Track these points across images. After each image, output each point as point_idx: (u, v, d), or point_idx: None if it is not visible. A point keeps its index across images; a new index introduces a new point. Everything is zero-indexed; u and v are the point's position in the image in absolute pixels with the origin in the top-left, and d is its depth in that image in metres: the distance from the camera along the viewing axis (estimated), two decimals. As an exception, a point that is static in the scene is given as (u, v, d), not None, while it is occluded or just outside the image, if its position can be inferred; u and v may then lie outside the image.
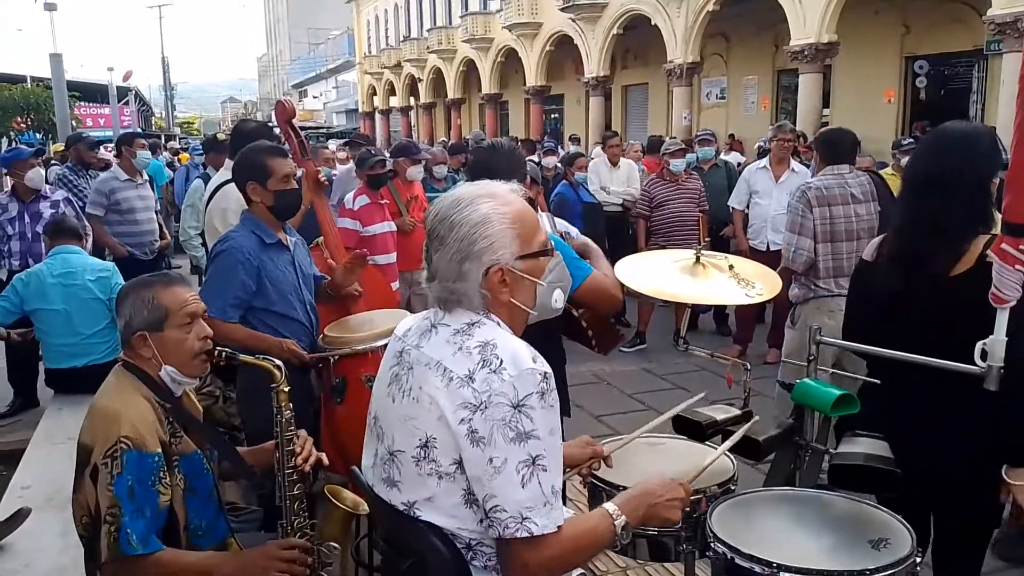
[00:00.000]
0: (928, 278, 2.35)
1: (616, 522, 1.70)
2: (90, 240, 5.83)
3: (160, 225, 6.85)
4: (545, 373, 1.59)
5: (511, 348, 1.60)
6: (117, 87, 36.04)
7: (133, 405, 2.13)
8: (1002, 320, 2.07)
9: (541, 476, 1.55)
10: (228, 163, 4.19)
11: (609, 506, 1.73)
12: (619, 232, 7.64)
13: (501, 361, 1.57)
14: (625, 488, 2.18)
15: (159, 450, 2.12)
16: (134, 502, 2.03)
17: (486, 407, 1.55)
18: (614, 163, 8.28)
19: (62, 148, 13.56)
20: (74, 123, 24.98)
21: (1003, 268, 2.03)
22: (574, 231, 3.80)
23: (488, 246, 1.64)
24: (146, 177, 6.88)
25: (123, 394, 2.16)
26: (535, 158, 9.75)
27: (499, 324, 1.68)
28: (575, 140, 19.11)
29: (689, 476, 1.99)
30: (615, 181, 8.17)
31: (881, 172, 6.87)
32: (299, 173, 3.92)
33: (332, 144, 9.88)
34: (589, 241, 2.98)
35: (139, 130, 22.39)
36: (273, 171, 3.25)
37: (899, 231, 2.50)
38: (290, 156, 3.64)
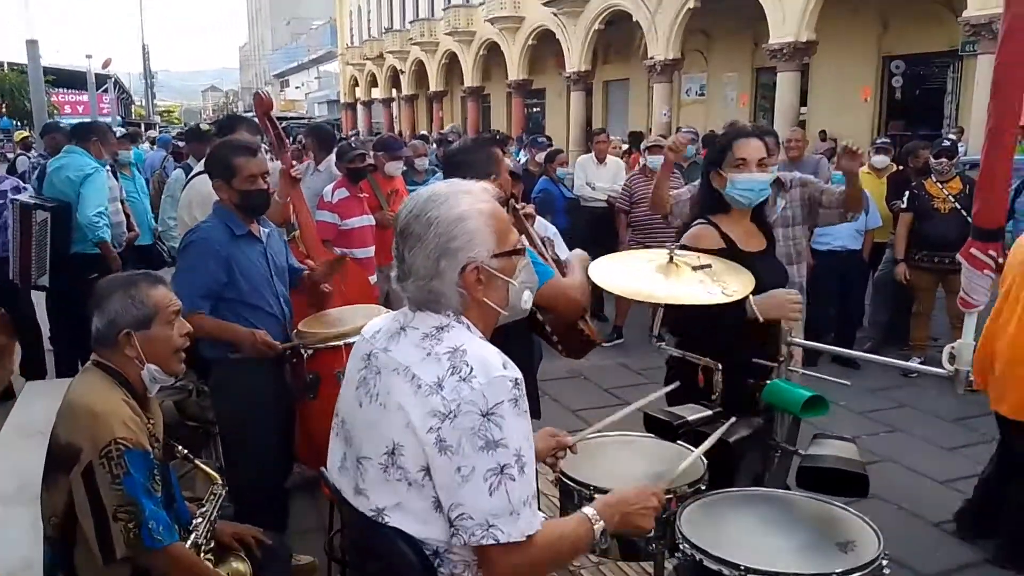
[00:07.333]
0: None
1: (595, 527, 1.70)
2: None
3: (127, 215, 6.66)
4: (516, 379, 1.55)
5: (481, 355, 1.57)
6: (96, 75, 35.58)
7: (118, 405, 2.13)
8: (970, 324, 2.09)
9: (509, 485, 1.52)
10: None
11: (588, 511, 1.73)
12: (604, 228, 7.63)
13: (471, 368, 1.54)
14: (595, 487, 2.20)
15: (151, 449, 2.14)
16: (151, 497, 2.08)
17: (455, 416, 1.51)
18: (600, 159, 8.25)
19: (25, 135, 13.55)
20: (51, 110, 24.59)
21: (971, 272, 2.04)
22: (552, 230, 3.79)
23: (466, 243, 1.60)
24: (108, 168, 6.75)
25: (104, 394, 2.15)
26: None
27: (469, 327, 1.65)
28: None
29: (662, 484, 2.00)
30: (601, 178, 8.13)
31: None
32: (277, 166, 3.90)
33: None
34: (579, 252, 2.95)
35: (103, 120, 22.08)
36: (238, 170, 3.21)
37: None
38: (268, 149, 3.61)
